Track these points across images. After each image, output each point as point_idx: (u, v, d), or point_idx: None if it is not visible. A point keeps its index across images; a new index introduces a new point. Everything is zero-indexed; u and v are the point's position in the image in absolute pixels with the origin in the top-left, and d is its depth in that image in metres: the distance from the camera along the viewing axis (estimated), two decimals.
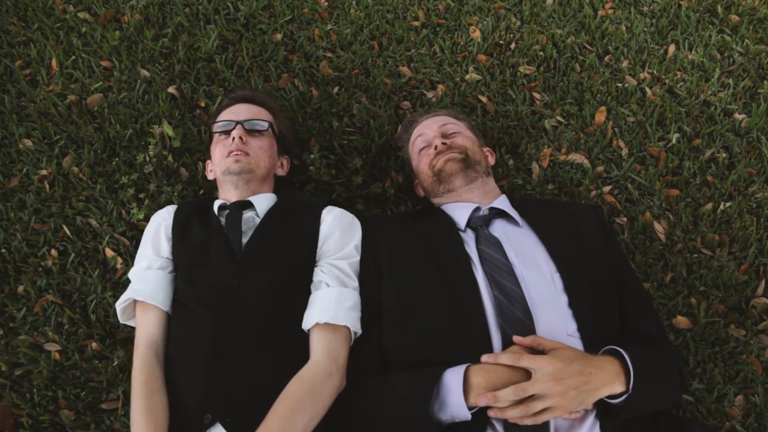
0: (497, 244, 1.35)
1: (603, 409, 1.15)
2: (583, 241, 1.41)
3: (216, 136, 1.57)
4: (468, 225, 1.43)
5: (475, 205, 1.48)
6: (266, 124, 1.58)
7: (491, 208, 1.47)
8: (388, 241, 1.43)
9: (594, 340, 1.21)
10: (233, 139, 1.50)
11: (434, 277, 1.32)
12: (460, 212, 1.47)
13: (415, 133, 1.67)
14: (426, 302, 1.29)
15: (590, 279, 1.32)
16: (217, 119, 1.60)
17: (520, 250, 1.35)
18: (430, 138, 1.59)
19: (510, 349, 1.14)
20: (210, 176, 1.63)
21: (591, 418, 1.14)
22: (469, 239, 1.39)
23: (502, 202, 1.51)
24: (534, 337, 1.14)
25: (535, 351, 1.14)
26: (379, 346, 1.31)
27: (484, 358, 1.13)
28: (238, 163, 1.48)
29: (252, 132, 1.55)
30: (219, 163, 1.52)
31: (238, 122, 1.54)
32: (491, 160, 1.67)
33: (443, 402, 1.12)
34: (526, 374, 1.10)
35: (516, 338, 1.15)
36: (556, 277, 1.30)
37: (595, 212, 1.53)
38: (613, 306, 1.32)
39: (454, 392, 1.11)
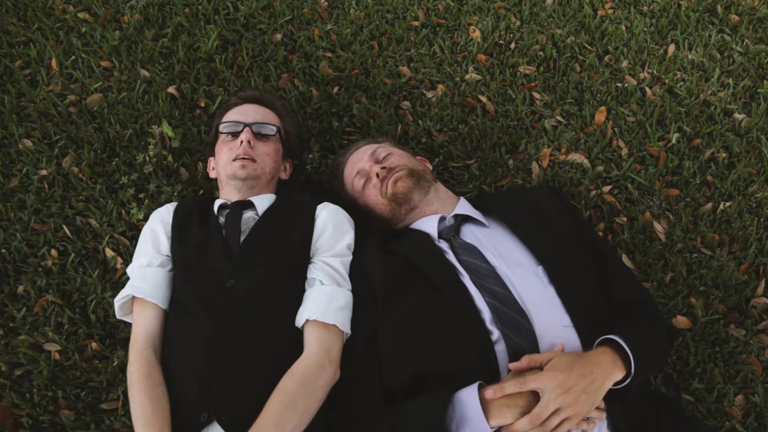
0: (475, 251, 1.34)
1: (609, 395, 1.16)
2: (552, 227, 1.42)
3: (222, 136, 1.55)
4: (440, 237, 1.42)
5: (439, 216, 1.46)
6: (274, 129, 1.57)
7: (455, 216, 1.46)
8: (375, 268, 1.38)
9: (586, 324, 1.23)
10: (241, 142, 1.49)
11: (427, 290, 1.29)
12: (428, 225, 1.46)
13: (347, 173, 1.61)
14: (424, 321, 1.27)
15: (570, 264, 1.33)
16: (224, 119, 1.58)
17: (497, 251, 1.34)
18: (367, 170, 1.55)
19: (511, 376, 1.14)
20: (212, 174, 1.62)
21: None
22: (446, 250, 1.38)
23: (464, 207, 1.50)
24: (527, 357, 1.13)
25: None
26: (381, 379, 1.27)
27: (489, 394, 1.10)
28: (244, 170, 1.48)
29: (259, 136, 1.54)
30: (224, 165, 1.51)
31: (246, 124, 1.53)
32: (429, 166, 1.67)
33: (462, 419, 1.11)
34: (534, 394, 1.11)
35: (512, 365, 1.14)
36: (539, 270, 1.30)
37: (551, 192, 1.55)
38: (596, 283, 1.34)
39: (472, 405, 1.10)
